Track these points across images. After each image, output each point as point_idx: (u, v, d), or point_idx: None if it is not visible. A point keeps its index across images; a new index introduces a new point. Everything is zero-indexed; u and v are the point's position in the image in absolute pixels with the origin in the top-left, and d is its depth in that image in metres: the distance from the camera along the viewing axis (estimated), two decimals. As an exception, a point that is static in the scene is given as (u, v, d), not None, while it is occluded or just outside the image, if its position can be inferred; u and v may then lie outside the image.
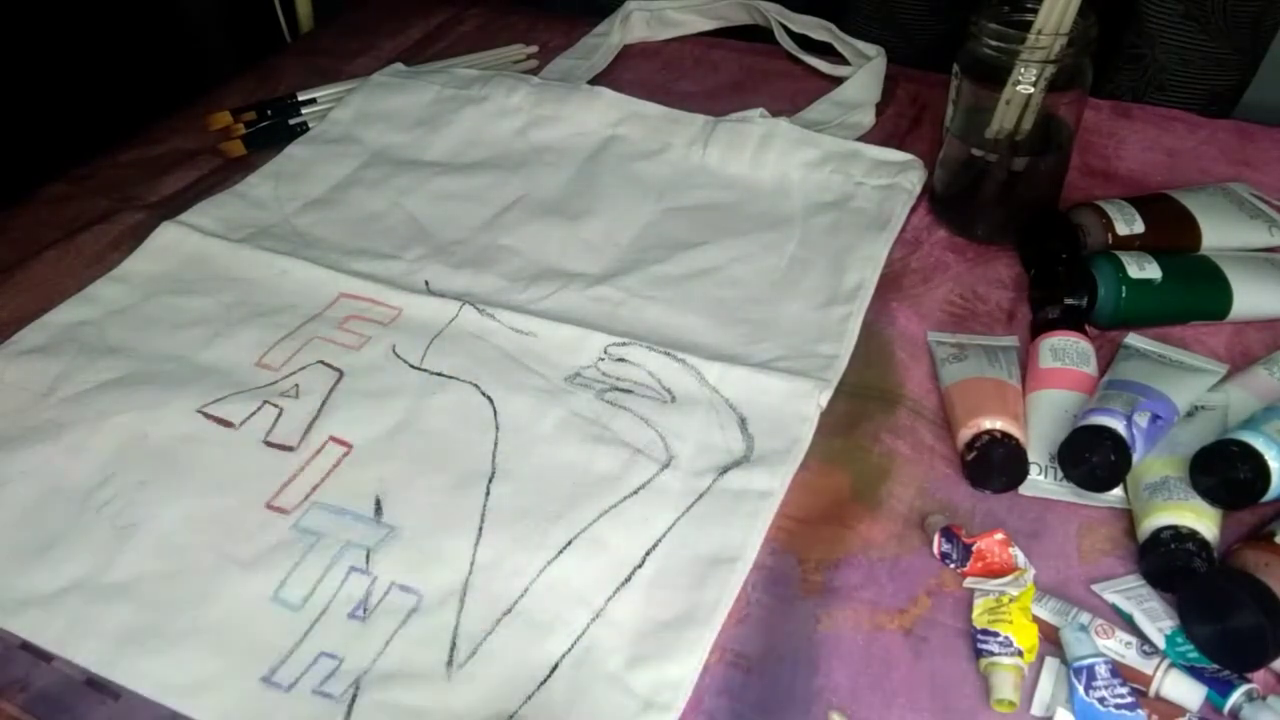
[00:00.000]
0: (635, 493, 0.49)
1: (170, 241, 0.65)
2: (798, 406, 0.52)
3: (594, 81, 0.79)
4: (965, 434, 0.50)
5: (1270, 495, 0.44)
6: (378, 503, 0.49)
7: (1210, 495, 0.45)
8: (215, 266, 0.63)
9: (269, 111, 0.76)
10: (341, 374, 0.56)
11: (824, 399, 0.52)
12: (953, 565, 0.46)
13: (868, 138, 0.73)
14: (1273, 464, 0.44)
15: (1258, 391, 0.51)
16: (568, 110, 0.75)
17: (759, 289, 0.60)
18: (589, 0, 0.90)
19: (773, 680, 0.42)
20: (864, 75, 0.77)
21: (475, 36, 0.88)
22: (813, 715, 0.41)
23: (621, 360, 0.55)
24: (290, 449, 0.52)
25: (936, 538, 0.46)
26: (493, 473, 0.50)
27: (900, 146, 0.72)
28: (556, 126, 0.74)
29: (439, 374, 0.56)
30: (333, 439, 0.52)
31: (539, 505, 0.49)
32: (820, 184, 0.68)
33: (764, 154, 0.69)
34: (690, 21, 0.87)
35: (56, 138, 0.75)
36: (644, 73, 0.82)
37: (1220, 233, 0.60)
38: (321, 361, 0.56)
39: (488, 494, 0.49)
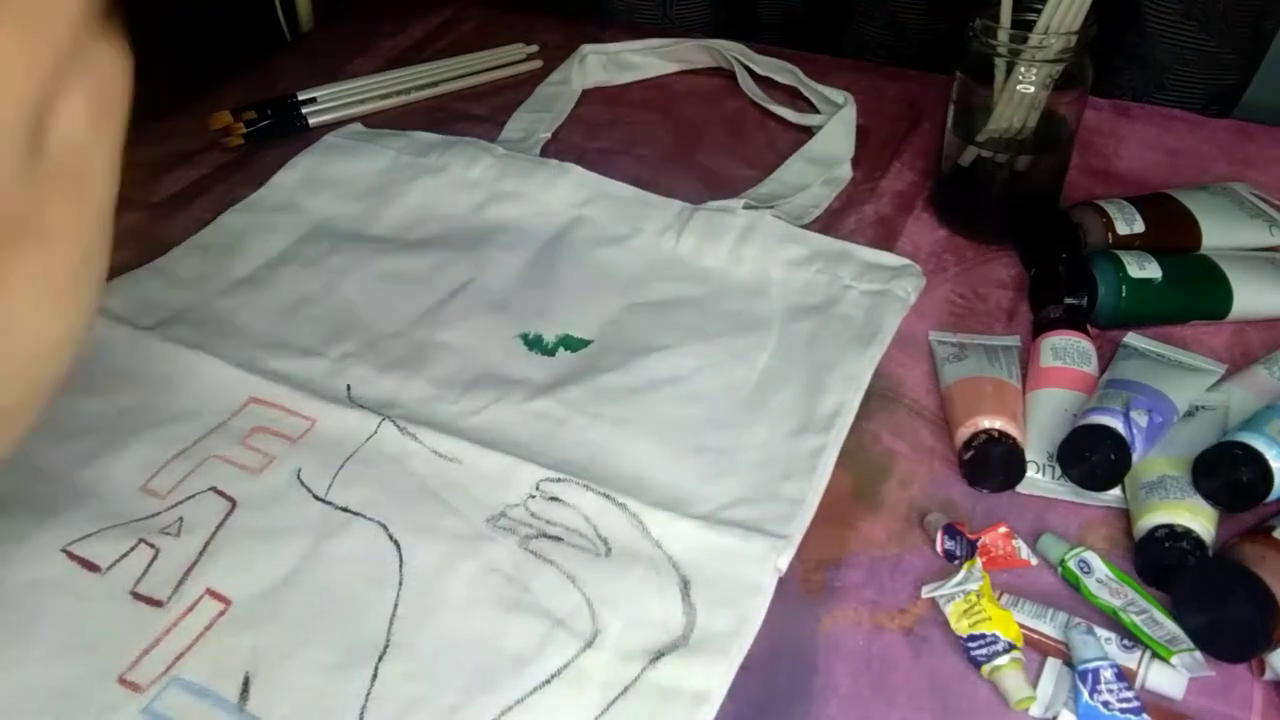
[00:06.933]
0: (548, 681, 0.42)
1: None
2: (751, 573, 0.44)
3: (556, 133, 0.76)
4: (963, 433, 0.50)
5: (1274, 496, 0.44)
6: (245, 683, 0.42)
7: (1214, 498, 0.45)
8: (115, 360, 0.55)
9: (269, 111, 0.76)
10: (234, 505, 0.48)
11: (783, 562, 0.45)
12: (957, 562, 0.46)
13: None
14: (1275, 465, 0.44)
15: (1258, 391, 0.51)
16: (531, 187, 0.68)
17: (724, 408, 0.53)
18: (589, 0, 0.91)
19: (772, 680, 0.42)
20: (837, 127, 0.72)
21: (475, 36, 0.88)
22: (813, 715, 0.41)
23: (554, 499, 0.48)
24: (160, 604, 0.44)
25: (939, 535, 0.46)
26: (386, 645, 0.43)
27: (900, 147, 0.73)
28: (517, 204, 0.67)
29: (344, 509, 0.48)
30: (210, 592, 0.45)
31: (432, 694, 0.41)
32: (804, 284, 0.60)
33: (743, 248, 0.62)
34: (650, 64, 0.82)
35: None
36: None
37: (1220, 232, 0.60)
38: (214, 489, 0.49)
39: (375, 676, 0.42)
